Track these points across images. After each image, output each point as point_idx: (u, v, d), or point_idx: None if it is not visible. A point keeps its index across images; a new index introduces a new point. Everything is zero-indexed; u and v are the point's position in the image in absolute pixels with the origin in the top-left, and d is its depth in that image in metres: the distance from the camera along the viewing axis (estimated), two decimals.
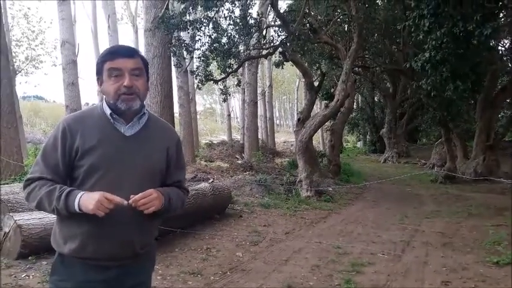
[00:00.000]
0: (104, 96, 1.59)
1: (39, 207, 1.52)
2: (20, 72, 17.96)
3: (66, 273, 1.54)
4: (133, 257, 1.61)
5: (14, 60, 16.74)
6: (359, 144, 29.57)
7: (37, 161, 1.56)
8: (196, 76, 10.53)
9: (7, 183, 6.44)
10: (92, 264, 1.53)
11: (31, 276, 3.54)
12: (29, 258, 3.87)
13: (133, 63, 1.55)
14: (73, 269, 1.54)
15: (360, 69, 17.73)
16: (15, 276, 3.51)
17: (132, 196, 1.47)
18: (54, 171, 1.53)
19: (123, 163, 1.55)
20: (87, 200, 1.43)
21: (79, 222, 1.50)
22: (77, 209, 1.43)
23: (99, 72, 1.58)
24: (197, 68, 10.43)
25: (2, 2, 9.37)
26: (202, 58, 9.92)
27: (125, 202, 1.44)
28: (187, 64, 11.46)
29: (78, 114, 1.63)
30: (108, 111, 1.57)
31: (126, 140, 1.57)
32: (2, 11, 9.49)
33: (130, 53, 1.56)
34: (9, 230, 3.96)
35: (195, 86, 15.12)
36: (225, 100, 14.38)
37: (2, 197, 4.57)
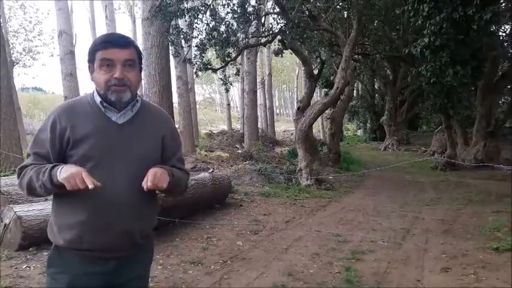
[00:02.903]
0: (95, 85, 1.57)
1: (30, 188, 1.48)
2: (17, 63, 17.88)
3: (63, 265, 1.52)
4: (133, 247, 1.59)
5: (12, 51, 16.63)
6: (359, 132, 29.54)
7: (28, 153, 1.57)
8: (193, 65, 10.47)
9: (7, 175, 6.45)
10: (89, 256, 1.51)
11: (32, 268, 3.55)
12: (30, 249, 3.88)
13: (126, 54, 1.51)
14: (70, 261, 1.51)
15: (359, 56, 17.61)
16: (16, 268, 3.52)
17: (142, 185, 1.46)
18: (46, 160, 1.51)
19: (116, 152, 1.52)
20: (66, 169, 1.39)
21: (75, 212, 1.48)
22: (59, 178, 1.38)
23: (90, 61, 1.54)
24: (195, 57, 10.36)
25: None
26: (199, 46, 9.84)
27: (91, 186, 1.35)
28: (185, 53, 11.38)
29: (69, 103, 1.60)
30: (98, 99, 1.54)
31: (118, 128, 1.54)
32: None
33: (124, 43, 1.52)
34: (10, 222, 3.96)
35: (194, 75, 15.09)
36: (227, 90, 14.32)
37: (2, 188, 4.57)
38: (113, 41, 1.51)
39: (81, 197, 1.43)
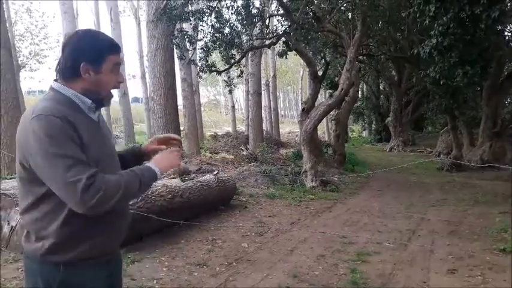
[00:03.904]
0: (82, 85, 1.43)
1: (126, 195, 1.38)
2: (24, 67, 18.01)
3: (77, 282, 1.43)
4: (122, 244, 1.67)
5: (18, 55, 16.77)
6: (364, 134, 29.45)
7: (71, 163, 1.28)
8: (197, 66, 10.48)
9: (13, 178, 6.48)
10: (99, 262, 1.48)
11: None
12: None
13: None
14: (83, 274, 1.43)
15: (364, 57, 17.57)
16: (22, 270, 3.54)
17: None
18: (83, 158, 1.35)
19: (107, 152, 1.52)
20: (164, 160, 1.55)
21: (92, 220, 1.40)
22: (159, 175, 1.50)
23: (97, 61, 1.42)
24: (200, 59, 10.39)
25: None
26: (203, 48, 9.87)
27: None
28: (190, 55, 11.41)
29: (53, 104, 1.38)
30: (87, 100, 1.45)
31: (100, 127, 1.52)
32: (4, 5, 9.49)
33: None
34: (16, 224, 3.99)
35: (198, 77, 15.11)
36: (230, 92, 14.32)
37: (8, 191, 4.60)
38: (118, 45, 1.51)
39: None
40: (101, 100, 1.49)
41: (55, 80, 1.46)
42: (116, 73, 1.48)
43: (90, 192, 1.27)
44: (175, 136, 1.80)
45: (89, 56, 1.41)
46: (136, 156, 1.75)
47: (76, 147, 1.32)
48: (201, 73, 10.47)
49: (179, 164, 1.59)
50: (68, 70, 1.42)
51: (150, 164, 1.49)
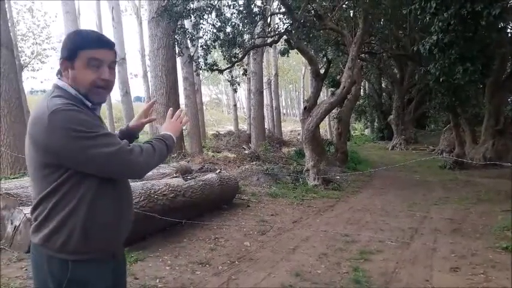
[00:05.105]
0: (73, 83, 1.45)
1: (160, 153, 1.54)
2: (26, 67, 18.04)
3: (92, 276, 1.44)
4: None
5: (21, 55, 16.80)
6: (366, 132, 29.42)
7: (108, 138, 1.39)
8: (196, 63, 10.49)
9: (16, 178, 6.51)
10: (108, 255, 1.50)
11: None
12: None
13: (112, 55, 1.49)
14: (97, 269, 1.45)
15: (366, 55, 17.54)
16: (26, 269, 3.55)
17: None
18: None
19: None
20: (170, 126, 1.71)
21: (109, 213, 1.46)
22: (174, 137, 1.67)
23: (70, 57, 1.43)
24: (198, 57, 10.40)
25: None
26: (203, 46, 9.88)
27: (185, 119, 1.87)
28: (191, 53, 11.41)
29: (66, 100, 1.39)
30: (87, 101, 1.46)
31: (102, 124, 1.51)
32: (6, 5, 9.51)
33: (111, 44, 1.50)
34: (19, 224, 4.01)
35: (200, 76, 15.12)
36: (235, 90, 14.33)
37: (11, 191, 4.61)
38: (102, 41, 1.47)
39: (114, 196, 1.48)
40: (86, 96, 1.45)
41: (58, 78, 1.50)
42: (92, 69, 1.44)
43: (136, 152, 1.42)
44: (148, 104, 1.92)
45: (64, 53, 1.46)
46: (125, 135, 1.83)
47: (100, 126, 1.42)
48: (199, 71, 10.47)
49: (182, 126, 1.79)
50: (59, 69, 1.50)
51: (164, 132, 1.66)
